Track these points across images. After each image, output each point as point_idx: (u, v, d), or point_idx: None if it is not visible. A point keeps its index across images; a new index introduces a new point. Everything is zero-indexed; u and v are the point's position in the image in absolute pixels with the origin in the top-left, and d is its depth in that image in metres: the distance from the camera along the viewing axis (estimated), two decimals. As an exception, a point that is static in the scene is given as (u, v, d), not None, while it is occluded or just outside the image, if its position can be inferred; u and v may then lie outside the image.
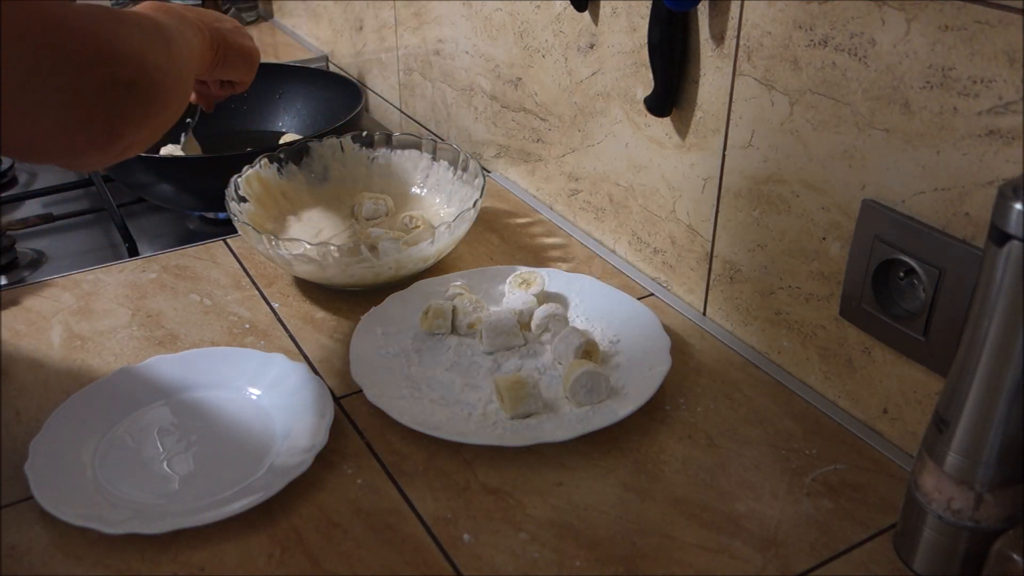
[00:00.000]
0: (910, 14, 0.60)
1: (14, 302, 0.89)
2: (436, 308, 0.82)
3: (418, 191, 1.05)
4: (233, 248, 0.99)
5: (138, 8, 0.69)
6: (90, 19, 0.52)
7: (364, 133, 1.05)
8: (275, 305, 0.89)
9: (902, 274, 0.66)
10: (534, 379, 0.73)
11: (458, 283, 0.87)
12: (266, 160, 0.99)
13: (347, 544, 0.63)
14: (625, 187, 0.92)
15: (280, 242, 0.84)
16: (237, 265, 0.96)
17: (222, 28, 0.84)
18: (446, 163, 1.02)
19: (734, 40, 0.74)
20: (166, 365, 0.78)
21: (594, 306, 0.85)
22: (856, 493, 0.66)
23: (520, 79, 1.04)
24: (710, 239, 0.83)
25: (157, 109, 0.59)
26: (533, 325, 0.82)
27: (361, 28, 1.43)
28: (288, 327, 0.86)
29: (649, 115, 0.84)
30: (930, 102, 0.60)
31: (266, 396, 0.75)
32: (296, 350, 0.83)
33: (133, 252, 1.03)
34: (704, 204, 0.82)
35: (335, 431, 0.71)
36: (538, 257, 0.97)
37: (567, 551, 0.62)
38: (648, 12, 0.79)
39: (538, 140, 1.05)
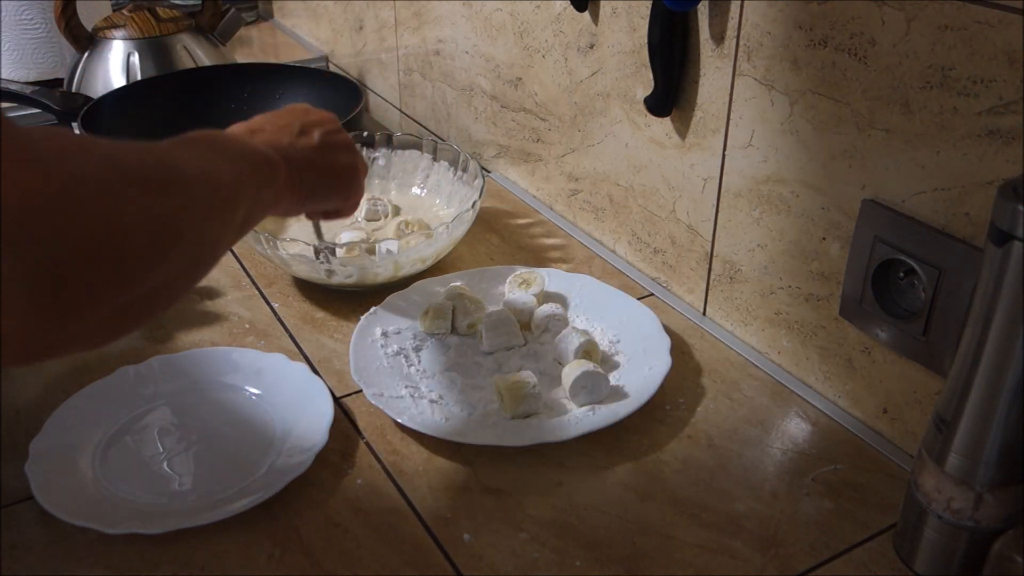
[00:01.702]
0: (910, 14, 0.60)
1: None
2: (436, 308, 0.82)
3: (418, 191, 1.05)
4: (233, 248, 0.99)
5: (192, 140, 0.53)
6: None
7: (365, 133, 1.05)
8: (275, 305, 0.89)
9: (902, 274, 0.66)
10: (534, 379, 0.73)
11: (458, 283, 0.87)
12: (266, 160, 0.99)
13: (347, 544, 0.63)
14: (625, 187, 0.92)
15: (279, 242, 0.84)
16: (237, 265, 0.96)
17: (306, 151, 0.65)
18: (446, 163, 1.02)
19: (734, 40, 0.74)
20: (166, 365, 0.78)
21: (594, 306, 0.85)
22: (856, 493, 0.66)
23: (520, 79, 1.04)
24: (710, 239, 0.83)
25: (128, 279, 0.44)
26: (533, 325, 0.82)
27: (361, 28, 1.43)
28: (288, 327, 0.86)
29: (649, 115, 0.84)
30: (930, 102, 0.60)
31: (266, 396, 0.75)
32: (296, 350, 0.83)
33: (133, 252, 1.03)
34: (704, 204, 0.82)
35: (335, 431, 0.70)
36: (538, 257, 0.97)
37: (567, 551, 0.62)
38: (648, 12, 0.79)
39: (538, 140, 1.05)
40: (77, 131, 1.09)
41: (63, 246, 0.39)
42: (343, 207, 0.73)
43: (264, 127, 0.65)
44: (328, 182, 0.68)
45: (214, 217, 0.51)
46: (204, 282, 0.92)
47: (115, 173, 0.43)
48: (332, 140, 0.68)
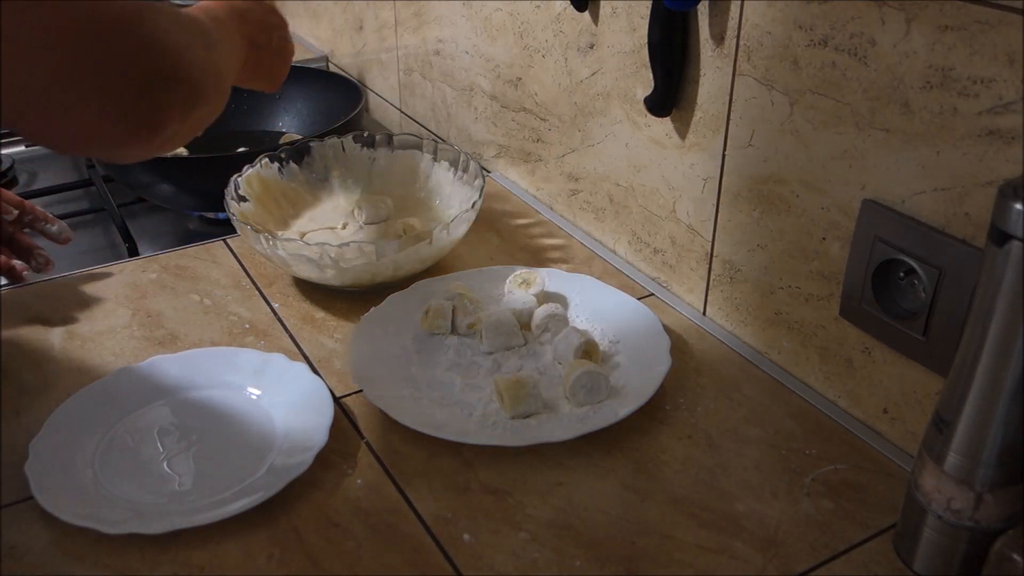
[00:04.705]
0: (910, 14, 0.60)
1: (15, 302, 0.89)
2: (436, 308, 0.82)
3: (419, 192, 1.05)
4: (233, 248, 0.99)
5: (188, 9, 0.68)
6: (131, 14, 0.53)
7: (366, 133, 1.05)
8: (275, 305, 0.89)
9: (902, 274, 0.66)
10: (534, 379, 0.73)
11: (458, 283, 0.87)
12: (267, 160, 0.99)
13: (347, 544, 0.63)
14: (625, 187, 0.92)
15: (278, 242, 0.84)
16: (237, 265, 0.96)
17: (261, 44, 0.79)
18: (447, 164, 1.02)
19: (734, 40, 0.74)
20: (166, 365, 0.78)
21: (594, 306, 0.85)
22: (856, 493, 0.66)
23: (520, 79, 1.04)
24: (710, 239, 0.83)
25: (197, 104, 0.59)
26: (533, 325, 0.82)
27: (361, 28, 1.43)
28: (288, 327, 0.86)
29: (649, 115, 0.84)
30: (930, 102, 0.60)
31: (266, 396, 0.75)
32: (296, 350, 0.83)
33: (133, 252, 1.03)
34: (704, 204, 0.82)
35: (335, 431, 0.70)
36: (538, 257, 0.97)
37: (567, 551, 0.62)
38: (648, 12, 0.79)
39: (538, 140, 1.05)
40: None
41: (154, 74, 0.53)
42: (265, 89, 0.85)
43: (231, 19, 0.74)
44: (264, 73, 0.81)
45: (230, 69, 0.69)
46: (204, 283, 0.92)
47: (190, 37, 0.57)
48: (279, 43, 0.81)
